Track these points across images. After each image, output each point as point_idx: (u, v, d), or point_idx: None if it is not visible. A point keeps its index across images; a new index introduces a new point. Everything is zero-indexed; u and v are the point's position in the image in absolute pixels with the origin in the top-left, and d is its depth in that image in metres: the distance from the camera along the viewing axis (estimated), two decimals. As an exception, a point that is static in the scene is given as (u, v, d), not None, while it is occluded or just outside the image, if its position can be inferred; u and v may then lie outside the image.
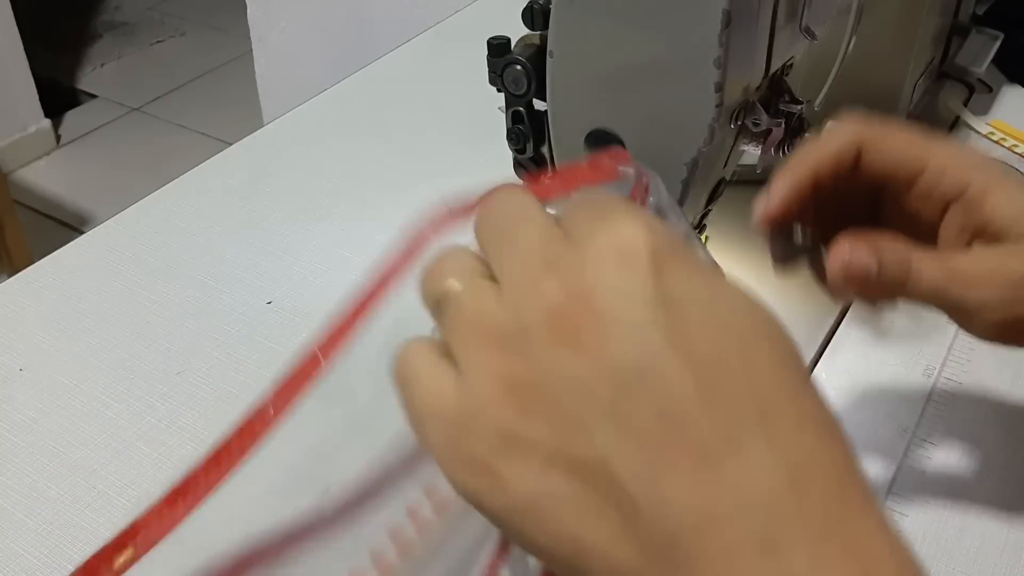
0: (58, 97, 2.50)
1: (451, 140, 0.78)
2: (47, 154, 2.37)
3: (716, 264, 0.30)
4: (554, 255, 0.27)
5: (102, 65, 2.76)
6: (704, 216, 0.53)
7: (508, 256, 0.28)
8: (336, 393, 0.40)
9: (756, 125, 0.49)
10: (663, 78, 0.45)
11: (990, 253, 0.40)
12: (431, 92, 0.86)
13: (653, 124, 0.47)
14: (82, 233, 0.69)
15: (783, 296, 0.60)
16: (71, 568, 0.46)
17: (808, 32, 0.49)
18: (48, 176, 2.31)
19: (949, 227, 0.41)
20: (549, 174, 0.39)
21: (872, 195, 0.43)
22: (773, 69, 0.48)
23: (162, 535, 0.31)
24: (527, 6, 0.47)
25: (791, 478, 0.24)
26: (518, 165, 0.53)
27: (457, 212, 0.39)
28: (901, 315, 0.60)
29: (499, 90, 0.51)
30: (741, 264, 0.64)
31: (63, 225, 2.14)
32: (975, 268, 0.39)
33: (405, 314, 0.44)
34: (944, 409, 0.54)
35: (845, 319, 0.60)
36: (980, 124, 0.79)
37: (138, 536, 0.31)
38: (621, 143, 0.48)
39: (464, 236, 0.35)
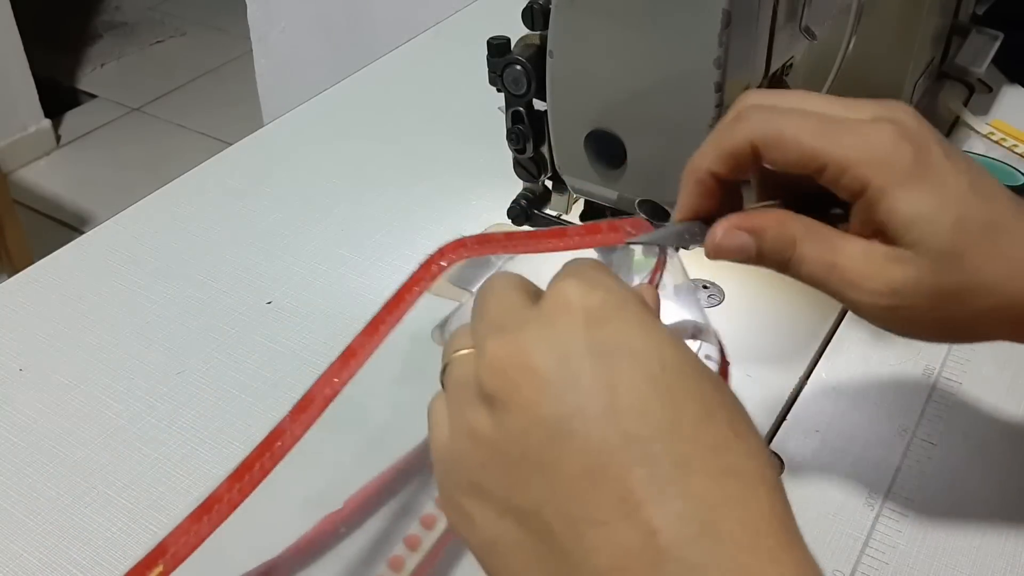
0: (58, 97, 2.50)
1: (451, 140, 0.78)
2: (47, 154, 2.37)
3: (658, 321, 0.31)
4: (510, 320, 0.30)
5: (102, 65, 2.76)
6: (704, 216, 0.53)
7: (476, 327, 0.32)
8: (351, 415, 0.40)
9: (756, 125, 0.49)
10: (663, 78, 0.45)
11: (875, 254, 0.38)
12: (431, 92, 0.86)
13: (653, 124, 0.47)
14: (82, 233, 0.69)
15: (783, 296, 0.60)
16: (71, 568, 0.46)
17: (808, 32, 0.49)
18: (48, 176, 2.31)
19: (856, 215, 0.39)
20: (575, 228, 0.42)
21: None
22: (773, 69, 0.48)
23: (189, 552, 0.33)
24: (527, 6, 0.47)
25: (703, 528, 0.26)
26: (518, 165, 0.53)
27: (470, 244, 0.41)
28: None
29: (499, 90, 0.51)
30: (741, 263, 0.64)
31: (63, 225, 2.14)
32: (856, 267, 0.38)
33: (417, 339, 0.45)
34: (944, 409, 0.54)
35: (845, 319, 0.60)
36: (980, 124, 0.79)
37: (167, 554, 0.33)
38: (621, 143, 0.48)
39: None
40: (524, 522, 0.28)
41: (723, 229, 0.39)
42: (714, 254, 0.40)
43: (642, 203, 0.50)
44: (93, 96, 2.62)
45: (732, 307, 0.60)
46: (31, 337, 0.59)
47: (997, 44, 0.80)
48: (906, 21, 0.70)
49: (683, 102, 0.45)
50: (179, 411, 0.54)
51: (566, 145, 0.50)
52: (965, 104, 0.81)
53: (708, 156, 0.39)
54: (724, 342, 0.40)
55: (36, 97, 2.31)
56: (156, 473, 0.51)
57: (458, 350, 0.32)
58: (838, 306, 0.60)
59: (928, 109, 0.80)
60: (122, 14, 3.01)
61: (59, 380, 0.56)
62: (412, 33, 0.95)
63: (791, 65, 0.51)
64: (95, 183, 2.27)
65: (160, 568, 0.33)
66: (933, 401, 0.55)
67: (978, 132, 0.78)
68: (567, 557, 0.27)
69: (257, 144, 0.79)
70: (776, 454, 0.51)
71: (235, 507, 0.35)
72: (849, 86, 0.55)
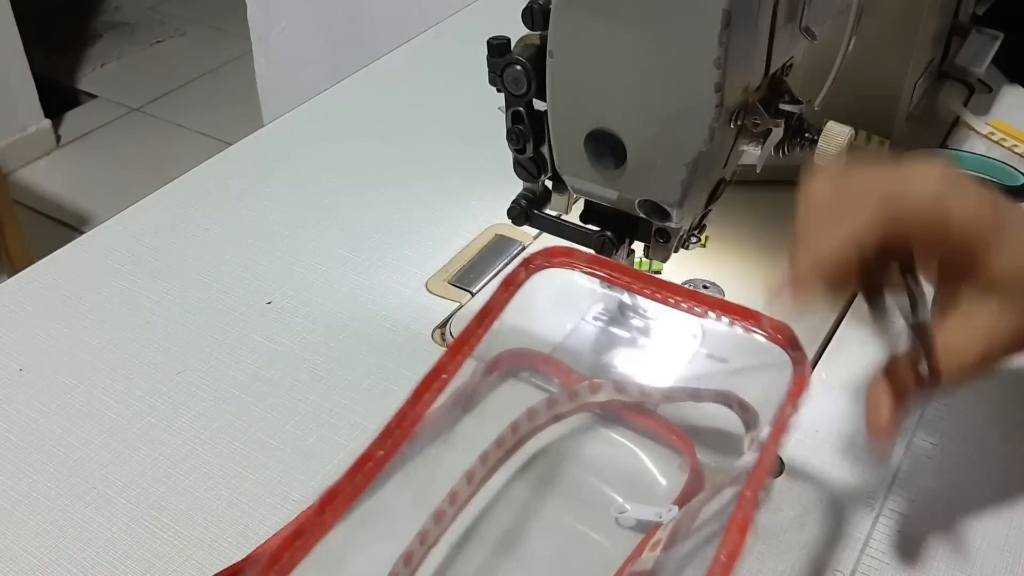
0: (58, 97, 2.50)
1: (451, 140, 0.78)
2: (47, 154, 2.37)
3: None
4: None
5: (102, 65, 2.76)
6: (704, 216, 0.53)
7: None
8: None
9: (756, 125, 0.49)
10: (663, 78, 0.45)
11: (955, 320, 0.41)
12: (431, 92, 0.86)
13: (653, 124, 0.47)
14: (82, 233, 0.69)
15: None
16: (71, 568, 0.46)
17: (808, 32, 0.49)
18: (48, 176, 2.30)
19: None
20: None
21: None
22: (773, 69, 0.48)
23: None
24: (527, 6, 0.47)
25: None
26: (518, 165, 0.53)
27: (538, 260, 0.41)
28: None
29: (499, 90, 0.51)
30: (740, 263, 0.64)
31: (63, 225, 2.14)
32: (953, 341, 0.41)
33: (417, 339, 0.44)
34: (944, 409, 0.54)
35: (845, 319, 0.60)
36: (980, 124, 0.78)
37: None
38: (621, 143, 0.48)
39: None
40: None
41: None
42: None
43: (642, 203, 0.50)
44: (93, 96, 2.62)
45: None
46: (31, 337, 0.59)
47: (997, 44, 0.80)
48: (906, 21, 0.70)
49: (683, 102, 0.45)
50: (179, 411, 0.54)
51: (566, 145, 0.50)
52: (965, 104, 0.81)
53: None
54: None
55: (36, 97, 2.30)
56: (156, 473, 0.51)
57: None
58: (838, 306, 0.60)
59: (928, 109, 0.80)
60: (122, 14, 3.01)
61: (59, 380, 0.56)
62: (412, 33, 0.95)
63: (791, 65, 0.51)
64: (95, 183, 2.26)
65: None
66: (933, 401, 0.55)
67: (978, 132, 0.78)
68: None
69: (257, 144, 0.79)
70: (776, 454, 0.51)
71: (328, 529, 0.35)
72: (849, 86, 0.55)
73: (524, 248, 0.66)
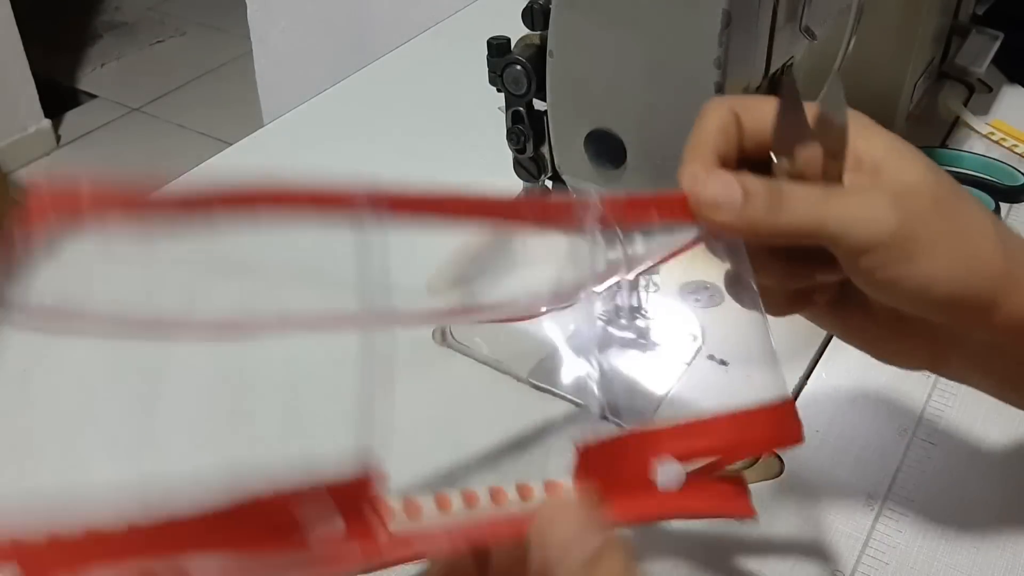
0: (58, 97, 2.50)
1: (451, 140, 0.78)
2: (47, 154, 2.37)
3: None
4: None
5: (102, 65, 2.76)
6: (704, 216, 0.53)
7: None
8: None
9: (756, 125, 0.49)
10: (663, 78, 0.45)
11: (866, 176, 0.38)
12: (431, 92, 0.86)
13: (653, 124, 0.47)
14: (82, 233, 0.68)
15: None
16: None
17: (808, 32, 0.49)
18: (48, 176, 2.30)
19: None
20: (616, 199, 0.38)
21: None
22: (773, 69, 0.48)
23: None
24: (527, 6, 0.47)
25: None
26: (518, 165, 0.53)
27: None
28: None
29: (499, 90, 0.51)
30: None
31: (63, 225, 2.14)
32: (853, 184, 0.38)
33: (417, 342, 0.43)
34: (944, 409, 0.54)
35: (845, 319, 0.60)
36: (980, 124, 0.79)
37: None
38: (621, 143, 0.48)
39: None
40: None
41: (703, 172, 0.37)
42: (695, 203, 0.37)
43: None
44: (93, 96, 2.62)
45: (732, 307, 0.59)
46: (31, 337, 0.59)
47: (997, 44, 0.80)
48: (906, 21, 0.71)
49: (683, 102, 0.45)
50: (179, 411, 0.54)
51: (566, 145, 0.50)
52: (965, 104, 0.81)
53: (701, 136, 0.39)
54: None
55: (36, 97, 2.30)
56: (156, 473, 0.51)
57: None
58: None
59: (928, 109, 0.80)
60: (122, 14, 3.01)
61: (59, 380, 0.56)
62: (412, 33, 0.95)
63: (791, 65, 0.51)
64: (95, 183, 2.26)
65: None
66: (933, 401, 0.55)
67: (978, 132, 0.78)
68: None
69: (257, 144, 0.79)
70: (776, 454, 0.51)
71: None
72: (849, 86, 0.55)
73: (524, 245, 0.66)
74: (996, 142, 0.77)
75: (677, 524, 0.47)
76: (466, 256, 0.65)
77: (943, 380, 0.56)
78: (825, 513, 0.49)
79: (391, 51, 0.92)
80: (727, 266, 0.40)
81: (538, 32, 0.48)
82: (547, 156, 0.52)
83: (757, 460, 0.50)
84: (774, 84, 0.50)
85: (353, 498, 0.32)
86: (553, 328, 0.58)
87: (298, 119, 0.82)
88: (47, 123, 2.36)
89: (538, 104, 0.51)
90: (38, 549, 0.30)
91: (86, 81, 2.68)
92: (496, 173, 0.55)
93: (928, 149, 0.75)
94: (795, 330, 0.59)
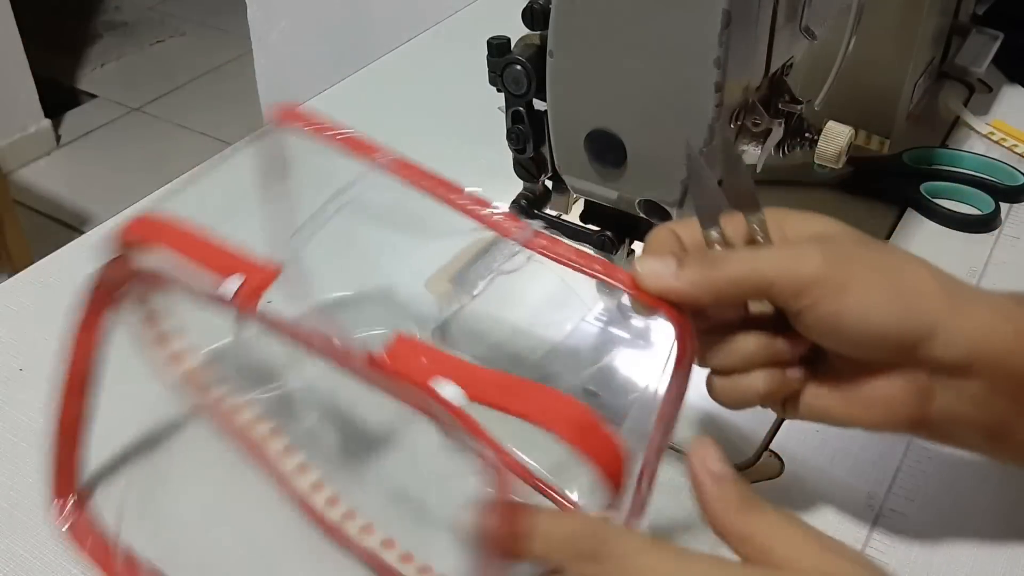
0: (58, 97, 2.50)
1: (451, 140, 0.78)
2: (47, 154, 2.37)
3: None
4: None
5: (102, 65, 2.76)
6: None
7: None
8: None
9: (756, 125, 0.49)
10: (663, 78, 0.45)
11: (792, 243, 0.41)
12: (431, 92, 0.86)
13: (653, 124, 0.47)
14: (82, 233, 0.68)
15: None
16: (71, 568, 0.46)
17: (808, 32, 0.49)
18: (48, 176, 2.30)
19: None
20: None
21: None
22: (773, 69, 0.48)
23: None
24: (527, 6, 0.47)
25: None
26: (518, 165, 0.53)
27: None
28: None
29: (499, 90, 0.51)
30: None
31: (63, 225, 2.14)
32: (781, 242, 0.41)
33: None
34: (944, 409, 0.54)
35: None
36: (980, 124, 0.79)
37: None
38: (621, 143, 0.48)
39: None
40: None
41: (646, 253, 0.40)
42: (637, 278, 0.39)
43: (642, 203, 0.50)
44: (93, 96, 2.62)
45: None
46: (31, 337, 0.59)
47: (997, 44, 0.80)
48: (906, 21, 0.71)
49: (683, 102, 0.45)
50: (179, 410, 0.54)
51: (566, 145, 0.50)
52: (965, 104, 0.81)
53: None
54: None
55: (36, 97, 2.30)
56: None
57: None
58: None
59: (928, 109, 0.80)
60: (122, 14, 3.01)
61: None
62: (412, 33, 0.95)
63: (791, 65, 0.51)
64: (95, 183, 2.27)
65: None
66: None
67: (978, 132, 0.78)
68: None
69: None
70: (776, 454, 0.51)
71: None
72: (849, 86, 0.55)
73: (523, 248, 0.66)
74: (996, 142, 0.77)
75: (677, 524, 0.47)
76: (466, 258, 0.65)
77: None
78: (825, 513, 0.49)
79: (391, 51, 0.92)
80: None
81: (538, 32, 0.48)
82: (547, 156, 0.52)
83: (758, 460, 0.50)
84: (774, 84, 0.50)
85: None
86: (552, 327, 0.58)
87: (298, 119, 0.82)
88: (47, 123, 2.36)
89: (538, 104, 0.51)
90: None
91: (86, 81, 2.68)
92: (496, 173, 0.55)
93: (928, 149, 0.75)
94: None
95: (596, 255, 0.41)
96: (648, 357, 0.57)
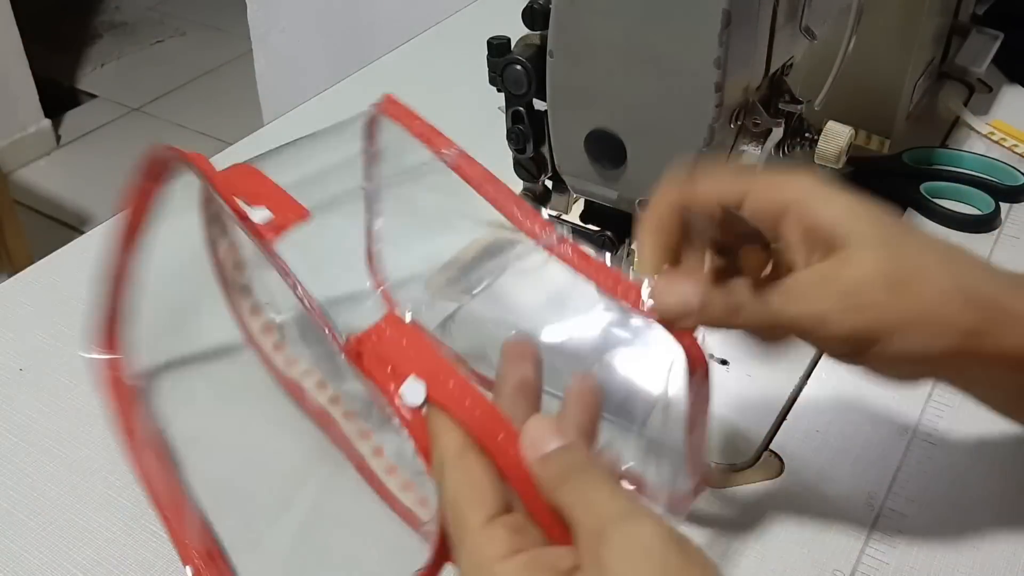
0: (58, 97, 2.50)
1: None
2: (47, 154, 2.37)
3: None
4: None
5: (102, 65, 2.76)
6: (704, 216, 0.53)
7: None
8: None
9: (756, 125, 0.49)
10: (663, 78, 0.45)
11: (819, 265, 0.38)
12: (431, 92, 0.86)
13: (653, 124, 0.47)
14: (82, 233, 0.68)
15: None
16: (71, 568, 0.46)
17: (808, 32, 0.49)
18: (48, 176, 2.30)
19: (795, 251, 0.40)
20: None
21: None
22: (773, 69, 0.48)
23: None
24: (527, 6, 0.47)
25: None
26: (518, 165, 0.53)
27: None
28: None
29: (499, 90, 0.51)
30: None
31: (63, 225, 2.14)
32: (804, 281, 0.38)
33: None
34: (944, 409, 0.54)
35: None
36: (980, 124, 0.79)
37: None
38: (621, 143, 0.48)
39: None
40: None
41: (664, 282, 0.38)
42: (656, 311, 0.38)
43: (642, 203, 0.50)
44: (93, 96, 2.62)
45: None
46: (31, 337, 0.59)
47: (997, 44, 0.80)
48: (906, 21, 0.71)
49: (683, 102, 0.45)
50: (179, 410, 0.54)
51: (566, 145, 0.50)
52: (965, 104, 0.81)
53: (652, 222, 0.40)
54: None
55: (36, 97, 2.30)
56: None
57: None
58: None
59: (928, 109, 0.80)
60: (122, 14, 3.01)
61: (59, 380, 0.56)
62: (412, 33, 0.95)
63: (791, 65, 0.51)
64: (95, 183, 2.26)
65: None
66: (933, 401, 0.55)
67: (978, 132, 0.78)
68: None
69: (257, 144, 0.79)
70: (776, 454, 0.51)
71: None
72: (849, 86, 0.55)
73: (524, 248, 0.66)
74: (996, 142, 0.77)
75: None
76: (466, 258, 0.65)
77: (943, 380, 0.56)
78: (825, 513, 0.49)
79: (391, 51, 0.92)
80: None
81: (538, 32, 0.48)
82: (547, 156, 0.52)
83: (758, 460, 0.50)
84: (774, 84, 0.50)
85: None
86: (551, 326, 0.58)
87: (298, 119, 0.82)
88: (47, 123, 2.36)
89: (538, 104, 0.51)
90: None
91: (86, 81, 2.68)
92: (496, 173, 0.55)
93: (928, 149, 0.75)
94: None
95: (619, 273, 0.40)
96: (648, 357, 0.57)
